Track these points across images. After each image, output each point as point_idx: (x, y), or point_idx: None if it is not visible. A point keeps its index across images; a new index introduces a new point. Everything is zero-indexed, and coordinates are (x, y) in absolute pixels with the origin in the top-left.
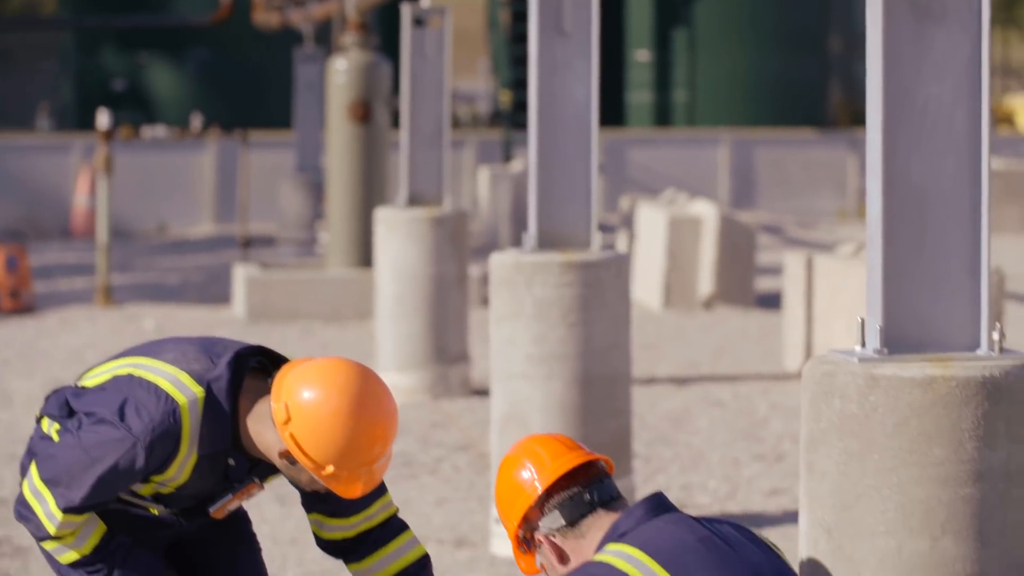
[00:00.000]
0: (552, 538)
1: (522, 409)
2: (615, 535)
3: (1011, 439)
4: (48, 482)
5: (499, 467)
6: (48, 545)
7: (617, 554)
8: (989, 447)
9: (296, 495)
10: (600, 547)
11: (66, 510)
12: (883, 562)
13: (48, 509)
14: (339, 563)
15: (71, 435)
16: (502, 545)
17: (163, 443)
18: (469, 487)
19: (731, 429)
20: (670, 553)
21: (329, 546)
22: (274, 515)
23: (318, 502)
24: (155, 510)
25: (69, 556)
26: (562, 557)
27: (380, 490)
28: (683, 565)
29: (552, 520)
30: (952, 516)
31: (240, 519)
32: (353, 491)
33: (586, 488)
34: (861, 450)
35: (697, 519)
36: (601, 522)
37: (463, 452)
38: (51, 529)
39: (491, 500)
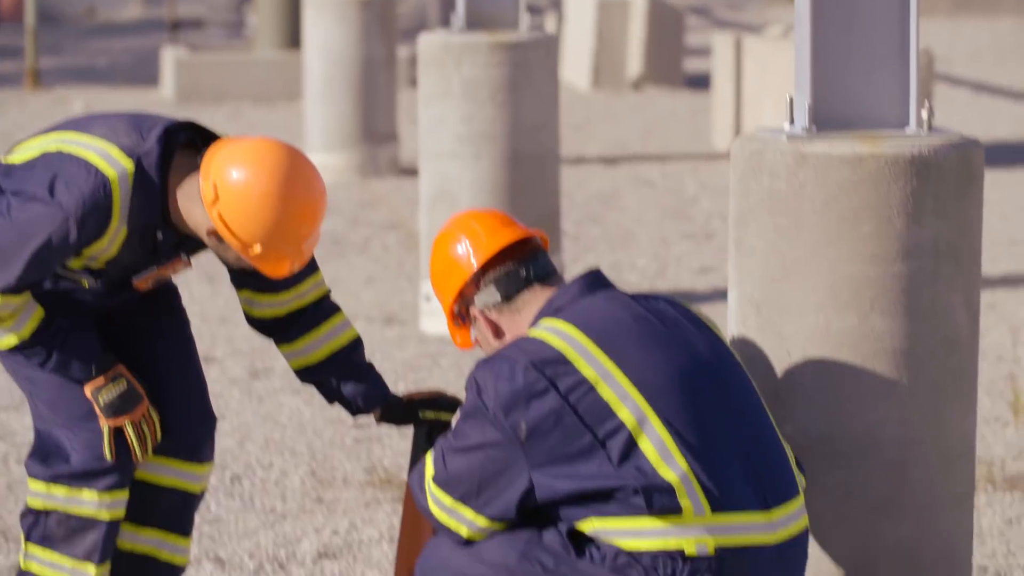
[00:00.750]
0: (487, 313)
1: (451, 188)
2: (550, 310)
3: (939, 216)
4: None
5: (434, 242)
6: None
7: (550, 330)
8: (917, 224)
9: (225, 274)
10: (535, 322)
11: (3, 291)
12: (812, 338)
13: None
14: (269, 341)
15: (2, 217)
16: (431, 322)
17: (94, 217)
18: (398, 266)
19: (660, 208)
20: (603, 330)
21: (259, 324)
22: (203, 294)
23: (247, 279)
24: (85, 282)
25: (8, 341)
26: (497, 332)
27: (311, 268)
28: (616, 342)
29: (488, 295)
30: (881, 293)
31: (169, 293)
32: (280, 270)
33: (522, 264)
34: (790, 227)
35: (633, 296)
36: (537, 298)
37: (392, 231)
38: None
39: (420, 278)
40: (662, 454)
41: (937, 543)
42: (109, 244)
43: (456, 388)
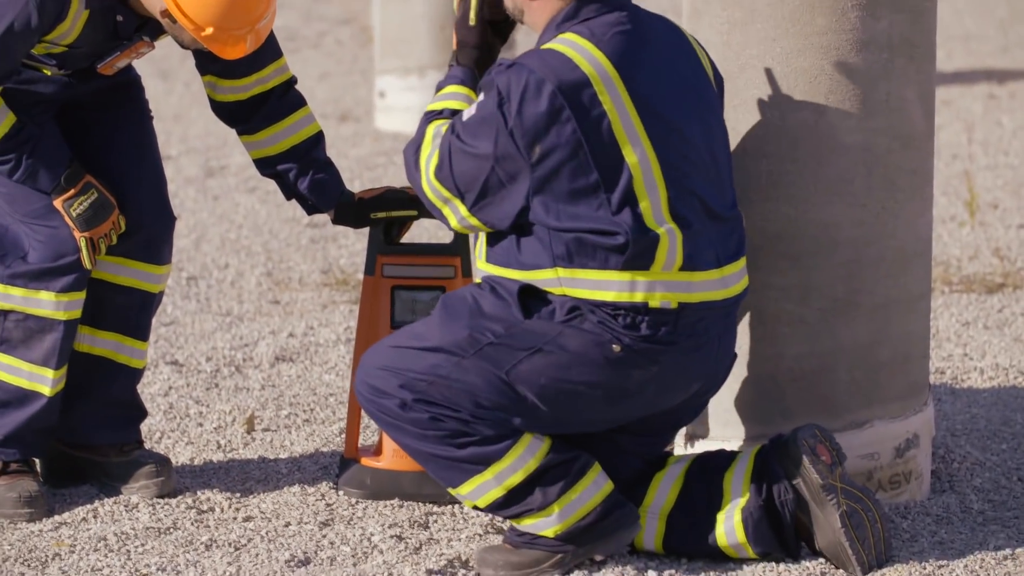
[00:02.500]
0: None
1: None
2: (577, 20)
3: (894, 9)
4: None
5: None
6: None
7: (577, 48)
8: (872, 16)
9: (179, 70)
10: (559, 24)
11: None
12: (767, 132)
13: None
14: (226, 135)
15: None
16: (386, 119)
17: (54, 0)
18: (352, 61)
19: None
20: (625, 62)
21: (223, 110)
22: (157, 91)
23: (210, 62)
24: (48, 71)
25: None
26: None
27: (274, 54)
28: (634, 78)
29: None
30: (835, 87)
31: (132, 85)
32: (236, 52)
33: None
34: (743, 20)
35: (645, 20)
36: None
37: (345, 26)
38: None
39: (375, 74)
40: (654, 207)
41: (894, 344)
42: (71, 27)
43: None
